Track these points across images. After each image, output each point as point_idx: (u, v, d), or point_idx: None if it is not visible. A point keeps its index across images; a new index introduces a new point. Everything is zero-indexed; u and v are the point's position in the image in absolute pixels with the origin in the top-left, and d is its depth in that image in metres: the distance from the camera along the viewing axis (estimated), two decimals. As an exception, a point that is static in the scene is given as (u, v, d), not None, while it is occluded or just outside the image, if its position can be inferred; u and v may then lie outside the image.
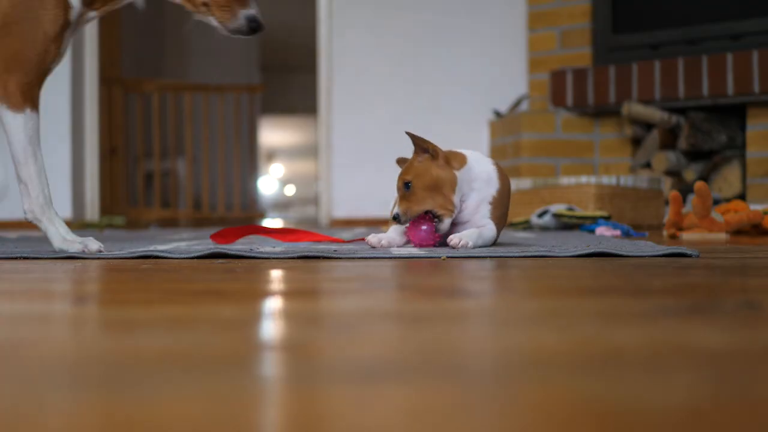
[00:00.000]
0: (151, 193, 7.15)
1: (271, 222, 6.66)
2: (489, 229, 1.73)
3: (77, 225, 4.75)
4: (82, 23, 1.65)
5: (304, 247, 1.83)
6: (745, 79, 3.59)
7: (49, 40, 1.57)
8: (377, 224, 4.74)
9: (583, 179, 3.31)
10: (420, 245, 1.71)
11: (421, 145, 1.69)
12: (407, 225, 1.71)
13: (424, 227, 1.70)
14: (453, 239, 1.66)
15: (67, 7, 1.58)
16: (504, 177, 1.80)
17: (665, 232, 2.49)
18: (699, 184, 2.31)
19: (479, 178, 1.74)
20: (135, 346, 0.61)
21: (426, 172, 1.68)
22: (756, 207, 2.83)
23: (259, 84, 7.82)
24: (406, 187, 1.67)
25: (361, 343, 0.61)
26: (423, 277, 1.18)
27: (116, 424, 0.39)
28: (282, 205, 16.64)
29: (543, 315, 0.78)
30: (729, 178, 3.71)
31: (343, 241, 2.04)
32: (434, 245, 1.71)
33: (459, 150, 1.77)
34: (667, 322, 0.71)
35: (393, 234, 1.78)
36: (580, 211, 2.99)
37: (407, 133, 1.70)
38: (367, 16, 4.94)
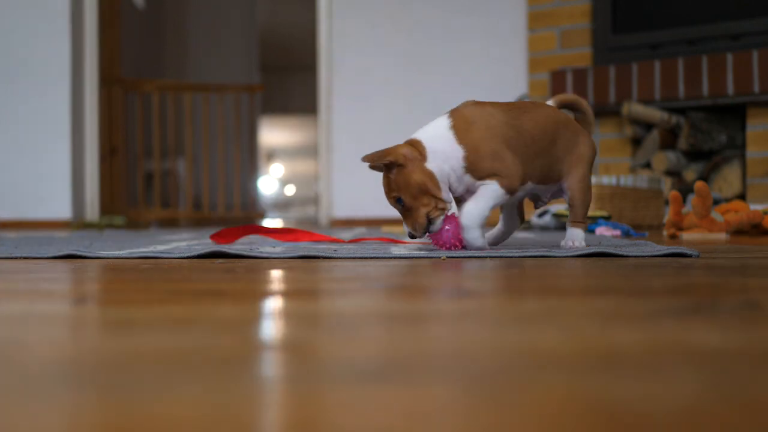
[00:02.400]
0: (151, 193, 7.15)
1: (271, 222, 6.66)
2: (483, 192, 1.62)
3: (77, 225, 4.75)
4: None
5: (304, 247, 1.83)
6: (745, 79, 3.59)
7: None
8: (377, 224, 4.74)
9: (583, 179, 3.30)
10: (450, 248, 1.63)
11: (386, 164, 1.59)
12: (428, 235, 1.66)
13: (446, 227, 1.62)
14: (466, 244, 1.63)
15: None
16: (465, 129, 1.61)
17: (665, 232, 2.49)
18: (699, 184, 2.31)
19: (442, 152, 1.60)
20: (135, 346, 0.61)
21: (406, 182, 1.58)
22: (756, 207, 2.83)
23: (258, 84, 7.82)
24: (399, 203, 1.61)
25: (361, 343, 0.61)
26: (423, 277, 1.18)
27: (116, 424, 0.39)
28: (282, 205, 16.64)
29: (543, 315, 0.78)
30: (729, 178, 3.71)
31: (343, 241, 2.04)
32: (457, 244, 1.63)
33: (414, 137, 1.63)
34: (667, 322, 0.71)
35: None
36: (580, 211, 2.98)
37: (364, 160, 1.58)
38: (367, 15, 4.94)
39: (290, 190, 17.29)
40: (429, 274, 1.21)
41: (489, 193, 1.61)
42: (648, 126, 3.93)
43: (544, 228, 3.06)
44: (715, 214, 2.48)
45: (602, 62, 4.10)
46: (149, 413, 0.41)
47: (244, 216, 6.11)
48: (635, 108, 3.81)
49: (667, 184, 3.73)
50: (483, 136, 1.61)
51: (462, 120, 1.62)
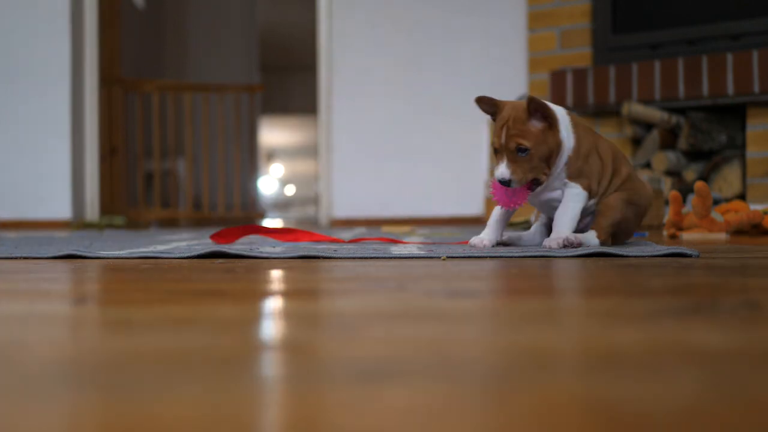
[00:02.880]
0: (151, 193, 7.15)
1: (271, 222, 6.66)
2: (570, 197, 1.70)
3: (77, 225, 4.75)
4: None
5: (304, 247, 1.83)
6: (745, 79, 3.59)
7: None
8: (377, 224, 4.74)
9: (583, 179, 3.30)
10: (508, 205, 1.70)
11: (542, 112, 1.64)
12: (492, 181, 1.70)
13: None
14: (549, 242, 1.65)
15: None
16: (575, 123, 1.72)
17: (665, 232, 2.49)
18: (699, 184, 2.31)
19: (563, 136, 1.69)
20: (135, 346, 0.61)
21: (544, 142, 1.63)
22: (756, 207, 2.83)
23: (258, 84, 7.81)
24: (519, 152, 1.62)
25: (361, 343, 0.61)
26: (423, 277, 1.18)
27: (116, 424, 0.39)
28: (282, 205, 16.64)
29: (543, 315, 0.78)
30: (729, 178, 3.71)
31: (343, 241, 2.04)
32: (518, 206, 1.70)
33: (551, 105, 1.69)
34: (667, 322, 0.71)
35: (490, 232, 1.76)
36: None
37: (530, 98, 1.61)
38: (367, 15, 4.94)
39: (290, 190, 17.29)
40: (429, 274, 1.21)
41: (575, 197, 1.70)
42: (648, 126, 3.93)
43: (544, 228, 3.06)
44: (715, 214, 2.48)
45: (602, 62, 4.11)
46: (149, 413, 0.41)
47: (244, 216, 6.11)
48: (635, 108, 3.81)
49: (667, 184, 3.73)
50: (584, 135, 1.72)
51: (571, 114, 1.74)
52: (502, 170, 1.63)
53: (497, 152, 1.66)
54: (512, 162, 1.63)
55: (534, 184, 1.68)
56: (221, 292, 0.98)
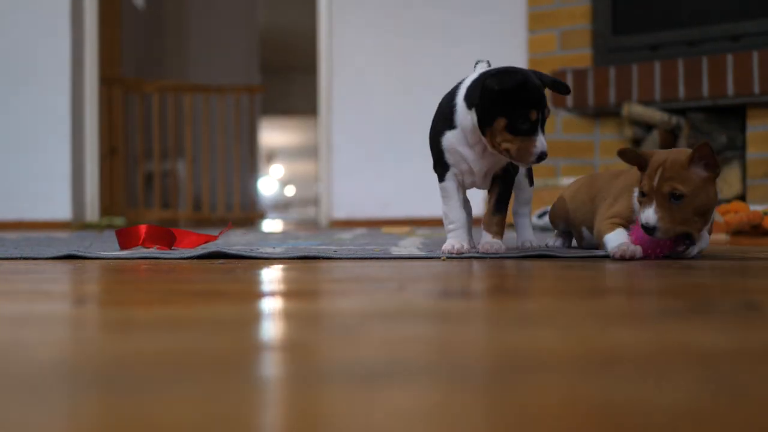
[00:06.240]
0: (151, 193, 7.15)
1: (271, 223, 6.65)
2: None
3: (77, 226, 4.75)
4: None
5: (304, 247, 1.83)
6: (745, 80, 3.59)
7: None
8: (377, 225, 4.74)
9: (583, 180, 3.31)
10: (645, 252, 1.50)
11: (707, 161, 1.45)
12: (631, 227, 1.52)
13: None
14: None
15: None
16: None
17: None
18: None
19: None
20: (135, 346, 0.61)
21: (704, 192, 1.44)
22: (756, 208, 2.83)
23: (259, 85, 7.82)
24: (673, 198, 1.43)
25: (360, 344, 0.61)
26: (422, 277, 1.18)
27: (116, 424, 0.39)
28: (282, 205, 16.64)
29: (543, 315, 0.78)
30: (729, 179, 3.71)
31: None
32: (661, 255, 1.52)
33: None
34: (667, 323, 0.71)
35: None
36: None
37: (700, 145, 1.42)
38: (367, 16, 4.94)
39: (290, 191, 17.29)
40: (429, 275, 1.21)
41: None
42: (648, 127, 3.93)
43: (544, 228, 3.06)
44: (715, 215, 2.48)
45: (602, 63, 4.11)
46: (149, 413, 0.41)
47: (244, 217, 6.11)
48: (635, 109, 3.81)
49: (667, 185, 3.73)
50: None
51: None
52: (649, 214, 1.44)
53: (643, 196, 1.47)
54: (662, 208, 1.44)
55: (684, 238, 1.50)
56: (221, 293, 0.98)
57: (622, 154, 1.50)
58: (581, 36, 4.23)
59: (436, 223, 4.82)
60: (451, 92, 1.68)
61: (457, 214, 1.62)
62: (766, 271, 1.27)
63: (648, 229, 1.44)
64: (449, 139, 1.60)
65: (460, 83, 1.66)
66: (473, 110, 1.56)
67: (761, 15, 3.70)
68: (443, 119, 1.64)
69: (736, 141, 3.76)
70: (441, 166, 1.63)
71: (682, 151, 1.48)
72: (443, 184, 1.62)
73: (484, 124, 1.53)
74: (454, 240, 1.60)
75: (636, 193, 1.52)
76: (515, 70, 1.53)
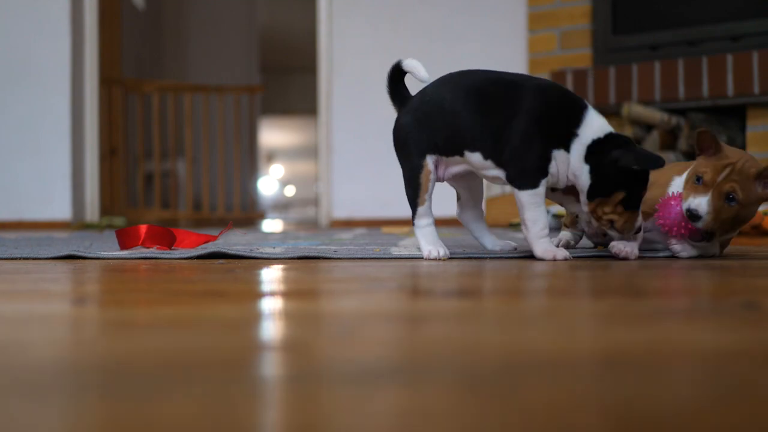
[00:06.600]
0: (151, 193, 7.15)
1: (271, 223, 6.65)
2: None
3: (77, 226, 4.75)
4: None
5: (304, 247, 1.83)
6: (745, 80, 3.59)
7: None
8: (377, 225, 4.73)
9: (583, 180, 3.30)
10: (668, 230, 1.53)
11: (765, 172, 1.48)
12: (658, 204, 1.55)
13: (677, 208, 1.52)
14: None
15: None
16: None
17: (665, 233, 2.49)
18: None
19: None
20: (135, 346, 0.61)
21: (753, 207, 1.50)
22: (756, 208, 2.82)
23: (259, 85, 7.81)
24: (729, 199, 1.47)
25: (361, 344, 0.61)
26: (422, 277, 1.18)
27: (116, 425, 0.39)
28: (282, 206, 16.64)
29: (543, 315, 0.78)
30: (729, 179, 3.71)
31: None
32: (683, 236, 1.54)
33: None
34: (668, 323, 0.71)
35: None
36: (580, 212, 2.98)
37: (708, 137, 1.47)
38: (367, 16, 4.94)
39: (290, 191, 17.29)
40: (429, 275, 1.21)
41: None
42: (648, 127, 3.93)
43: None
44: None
45: (602, 63, 4.11)
46: (149, 413, 0.41)
47: (244, 217, 6.11)
48: (635, 109, 3.81)
49: (667, 185, 3.73)
50: None
51: None
52: (701, 202, 1.46)
53: (700, 182, 1.49)
54: (715, 203, 1.47)
55: (707, 234, 1.52)
56: (221, 293, 0.98)
57: (702, 134, 1.50)
58: (581, 36, 4.23)
59: (436, 223, 4.81)
60: (570, 112, 1.52)
61: (546, 220, 1.57)
62: (766, 271, 1.27)
63: (692, 216, 1.46)
64: (558, 157, 1.50)
65: (584, 108, 1.53)
66: (589, 169, 1.48)
67: (761, 15, 3.70)
68: (557, 135, 1.50)
69: (736, 141, 3.76)
70: (541, 173, 1.51)
71: (753, 161, 1.50)
72: (538, 190, 1.51)
73: (598, 191, 1.47)
74: (549, 245, 1.55)
75: (680, 179, 1.54)
76: (650, 154, 1.46)
